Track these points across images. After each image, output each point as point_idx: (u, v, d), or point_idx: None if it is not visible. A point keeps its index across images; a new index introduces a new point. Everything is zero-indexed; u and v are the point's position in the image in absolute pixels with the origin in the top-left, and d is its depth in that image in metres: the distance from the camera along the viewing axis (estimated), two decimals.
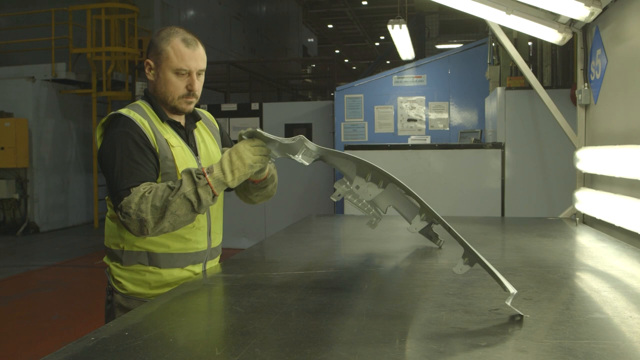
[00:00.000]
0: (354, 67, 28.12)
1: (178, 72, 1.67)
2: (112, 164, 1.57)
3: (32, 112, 9.18)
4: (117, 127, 1.61)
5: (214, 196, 1.52)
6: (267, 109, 8.35)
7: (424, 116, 7.33)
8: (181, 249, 1.70)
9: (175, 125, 1.73)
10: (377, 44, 24.35)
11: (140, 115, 1.65)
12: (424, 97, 7.33)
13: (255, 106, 8.32)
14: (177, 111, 1.72)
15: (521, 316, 1.25)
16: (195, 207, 1.50)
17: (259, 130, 1.57)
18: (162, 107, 1.71)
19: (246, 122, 8.17)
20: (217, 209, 1.81)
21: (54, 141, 9.57)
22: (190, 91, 1.69)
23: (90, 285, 5.94)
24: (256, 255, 2.18)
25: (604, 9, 2.52)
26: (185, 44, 1.67)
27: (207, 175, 1.51)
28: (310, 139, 9.07)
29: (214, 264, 1.83)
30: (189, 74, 1.68)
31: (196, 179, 1.50)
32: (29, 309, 4.99)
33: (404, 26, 8.08)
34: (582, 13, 2.51)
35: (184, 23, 12.23)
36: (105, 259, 1.78)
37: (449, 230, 1.41)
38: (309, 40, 22.08)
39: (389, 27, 8.11)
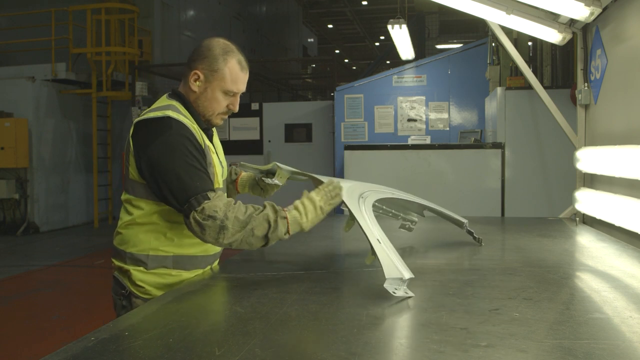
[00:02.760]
0: (354, 67, 28.12)
1: (227, 93, 1.69)
2: (175, 167, 1.54)
3: (32, 112, 9.18)
4: (172, 130, 1.57)
5: (287, 232, 1.56)
6: (267, 109, 8.36)
7: (424, 116, 7.34)
8: (203, 250, 1.72)
9: (206, 132, 1.73)
10: (377, 44, 24.34)
11: (186, 119, 1.64)
12: (424, 97, 7.33)
13: (255, 106, 8.33)
14: (209, 124, 1.75)
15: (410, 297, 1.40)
16: (269, 232, 1.53)
17: (242, 163, 2.02)
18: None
19: (246, 122, 8.18)
20: None
21: (54, 141, 9.57)
22: (230, 110, 1.73)
23: (90, 285, 5.94)
24: (256, 255, 2.18)
25: (604, 9, 2.52)
26: (240, 67, 1.70)
27: (286, 212, 1.57)
28: (310, 139, 9.10)
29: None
30: (234, 94, 1.71)
31: (277, 209, 1.56)
32: (29, 309, 4.99)
33: (404, 26, 8.08)
34: (582, 13, 2.51)
35: (184, 23, 12.23)
36: (119, 263, 1.71)
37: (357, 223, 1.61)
38: (309, 40, 22.08)
39: (389, 27, 8.11)
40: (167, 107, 1.64)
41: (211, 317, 1.37)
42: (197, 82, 1.68)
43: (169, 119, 1.59)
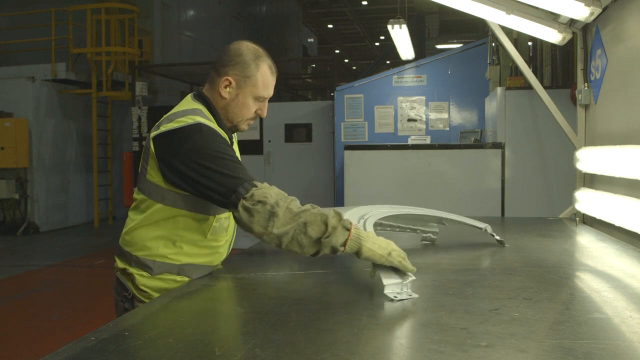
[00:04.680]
0: (354, 67, 28.12)
1: (257, 98, 1.67)
2: (214, 164, 1.49)
3: (32, 112, 9.18)
4: (202, 132, 1.54)
5: (342, 245, 1.40)
6: (267, 109, 8.34)
7: (424, 116, 7.34)
8: (210, 261, 1.70)
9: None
10: (377, 44, 24.35)
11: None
12: (424, 97, 7.33)
13: None
14: (236, 129, 1.72)
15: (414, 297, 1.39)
16: (324, 236, 1.39)
17: None
18: (223, 121, 1.69)
19: None
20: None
21: (54, 141, 9.57)
22: (258, 115, 1.71)
23: (90, 285, 5.94)
24: (256, 255, 2.18)
25: (604, 9, 2.51)
26: (271, 72, 1.68)
27: (353, 225, 1.43)
28: (310, 139, 9.07)
29: None
30: (264, 100, 1.69)
31: (343, 218, 1.43)
32: (29, 309, 4.99)
33: (404, 26, 8.09)
34: (582, 13, 2.51)
35: (184, 23, 12.23)
36: (122, 265, 1.69)
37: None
38: (309, 40, 22.08)
39: (389, 27, 8.12)
40: (195, 112, 1.60)
41: (211, 317, 1.37)
42: (228, 89, 1.65)
43: (199, 124, 1.55)
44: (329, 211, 1.44)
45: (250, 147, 8.26)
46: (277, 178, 8.15)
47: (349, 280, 1.66)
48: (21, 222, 9.19)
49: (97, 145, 9.91)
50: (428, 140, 6.51)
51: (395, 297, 1.39)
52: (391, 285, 1.40)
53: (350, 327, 1.19)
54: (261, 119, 8.36)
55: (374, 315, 1.28)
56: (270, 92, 1.70)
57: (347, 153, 5.08)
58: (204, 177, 1.50)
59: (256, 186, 1.46)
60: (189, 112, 1.61)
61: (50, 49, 9.30)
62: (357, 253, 1.42)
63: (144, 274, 1.65)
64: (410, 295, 1.40)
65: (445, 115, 7.30)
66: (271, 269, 1.81)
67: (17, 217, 9.22)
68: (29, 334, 4.25)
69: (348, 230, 1.41)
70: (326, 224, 1.40)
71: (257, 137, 8.39)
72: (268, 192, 1.45)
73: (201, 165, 1.50)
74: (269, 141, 8.42)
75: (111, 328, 1.19)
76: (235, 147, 1.83)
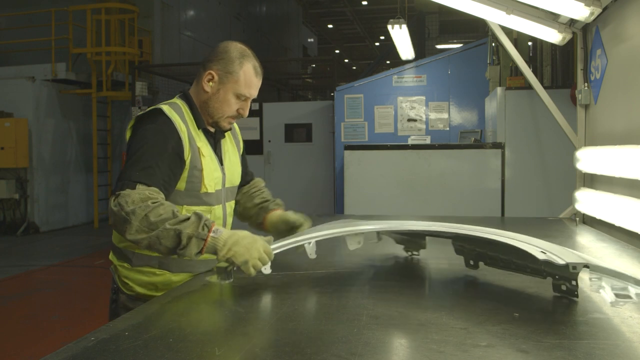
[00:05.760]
0: (354, 67, 28.11)
1: (239, 96, 1.70)
2: (133, 153, 1.55)
3: (32, 112, 9.18)
4: (155, 124, 1.59)
5: (198, 254, 1.46)
6: (267, 109, 8.36)
7: (424, 116, 7.33)
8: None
9: (207, 133, 1.73)
10: (377, 44, 24.34)
11: (180, 118, 1.64)
12: (424, 97, 7.33)
13: (255, 106, 8.32)
14: (217, 127, 1.74)
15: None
16: (179, 249, 1.44)
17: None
18: (203, 116, 1.72)
19: (246, 122, 8.17)
20: (230, 219, 1.87)
21: (54, 141, 9.57)
22: (240, 114, 1.73)
23: (90, 285, 5.95)
24: None
25: (604, 9, 2.51)
26: (255, 73, 1.71)
27: (211, 233, 1.45)
28: (310, 139, 9.02)
29: None
30: (246, 99, 1.71)
31: (200, 230, 1.44)
32: (29, 309, 5.00)
33: (404, 26, 8.09)
34: (582, 13, 2.51)
35: (184, 23, 12.23)
36: (112, 257, 1.76)
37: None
38: (309, 40, 22.08)
39: (389, 27, 8.11)
40: (167, 103, 1.67)
41: (211, 317, 1.37)
42: (211, 83, 1.68)
43: (160, 112, 1.61)
44: (190, 218, 1.45)
45: (250, 147, 8.26)
46: (277, 178, 8.15)
47: (349, 281, 1.66)
48: (21, 222, 9.19)
49: (97, 145, 9.91)
50: (428, 140, 6.49)
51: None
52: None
53: (350, 327, 1.18)
54: (261, 119, 8.38)
55: (374, 315, 1.28)
56: (252, 92, 1.72)
57: (347, 153, 5.07)
58: (125, 162, 1.58)
59: (134, 188, 1.47)
60: (161, 103, 1.67)
61: (50, 49, 9.31)
62: (215, 256, 1.48)
63: (125, 264, 1.69)
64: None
65: (445, 115, 7.29)
66: (271, 269, 1.81)
67: (17, 217, 9.22)
68: (28, 334, 4.25)
69: (204, 240, 1.44)
70: (179, 237, 1.42)
71: (257, 137, 8.39)
72: (131, 197, 1.44)
73: (130, 151, 1.57)
74: (269, 141, 8.42)
75: (111, 328, 1.19)
76: (227, 145, 1.84)
